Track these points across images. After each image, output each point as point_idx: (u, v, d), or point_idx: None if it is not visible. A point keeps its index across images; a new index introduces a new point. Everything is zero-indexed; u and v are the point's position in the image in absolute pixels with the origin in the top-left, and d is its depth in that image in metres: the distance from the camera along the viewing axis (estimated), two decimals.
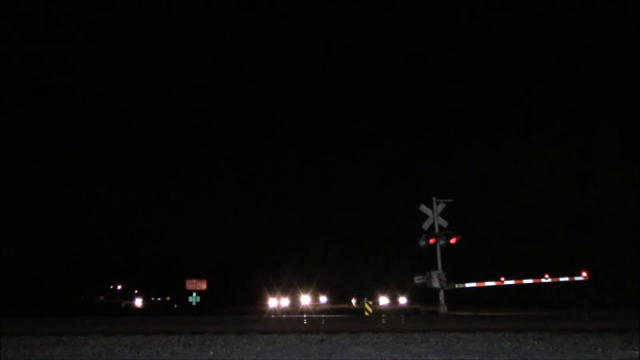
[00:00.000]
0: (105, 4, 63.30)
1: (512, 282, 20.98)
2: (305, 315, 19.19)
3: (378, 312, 24.18)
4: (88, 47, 64.41)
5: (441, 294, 19.77)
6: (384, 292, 31.69)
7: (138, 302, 35.62)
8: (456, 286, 20.25)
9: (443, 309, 19.48)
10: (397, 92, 60.49)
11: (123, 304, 38.87)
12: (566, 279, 21.02)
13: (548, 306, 24.55)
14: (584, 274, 21.12)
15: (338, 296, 38.17)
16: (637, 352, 6.21)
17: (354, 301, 35.86)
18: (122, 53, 66.92)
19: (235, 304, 34.56)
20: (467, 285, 20.55)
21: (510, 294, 28.86)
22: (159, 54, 69.56)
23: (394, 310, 26.35)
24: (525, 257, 25.91)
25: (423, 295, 23.62)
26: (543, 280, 20.85)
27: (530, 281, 20.96)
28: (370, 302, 21.97)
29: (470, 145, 40.73)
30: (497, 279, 20.99)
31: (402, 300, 29.83)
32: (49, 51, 59.17)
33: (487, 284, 20.87)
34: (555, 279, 20.92)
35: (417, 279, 20.68)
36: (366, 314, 21.13)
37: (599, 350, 6.42)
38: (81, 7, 62.51)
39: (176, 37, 67.73)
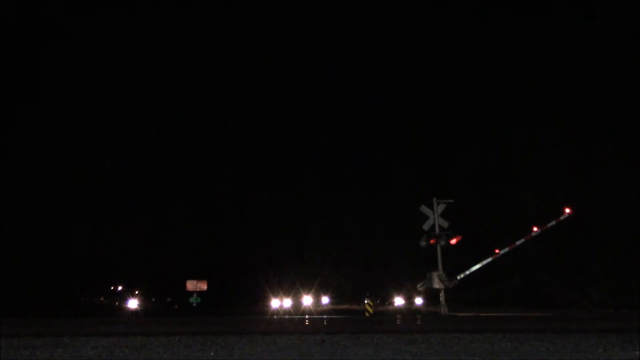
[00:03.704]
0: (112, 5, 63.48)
1: (506, 249, 21.62)
2: (307, 316, 19.24)
3: (393, 312, 24.27)
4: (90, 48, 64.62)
5: (442, 295, 19.83)
6: (399, 293, 31.53)
7: (132, 303, 33.86)
8: (458, 278, 20.40)
9: (444, 309, 19.53)
10: (397, 91, 60.38)
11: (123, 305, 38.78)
12: (553, 223, 21.59)
13: (548, 307, 24.55)
14: (567, 210, 21.56)
15: (340, 296, 38.03)
16: (637, 353, 6.21)
17: (366, 302, 35.76)
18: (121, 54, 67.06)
19: (237, 305, 34.53)
20: (467, 272, 20.98)
21: (511, 284, 28.96)
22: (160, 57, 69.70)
23: (409, 311, 26.34)
24: (525, 258, 25.95)
25: (436, 296, 23.79)
26: (533, 234, 21.53)
27: (522, 241, 21.61)
28: (371, 303, 21.94)
29: (470, 144, 40.58)
30: (492, 253, 21.55)
31: (419, 300, 29.53)
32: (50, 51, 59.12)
33: (485, 261, 21.55)
34: (544, 227, 21.58)
35: (420, 286, 20.80)
36: (366, 314, 21.12)
37: (600, 350, 6.42)
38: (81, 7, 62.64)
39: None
